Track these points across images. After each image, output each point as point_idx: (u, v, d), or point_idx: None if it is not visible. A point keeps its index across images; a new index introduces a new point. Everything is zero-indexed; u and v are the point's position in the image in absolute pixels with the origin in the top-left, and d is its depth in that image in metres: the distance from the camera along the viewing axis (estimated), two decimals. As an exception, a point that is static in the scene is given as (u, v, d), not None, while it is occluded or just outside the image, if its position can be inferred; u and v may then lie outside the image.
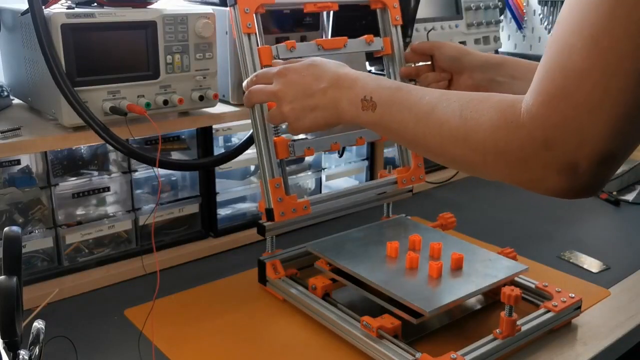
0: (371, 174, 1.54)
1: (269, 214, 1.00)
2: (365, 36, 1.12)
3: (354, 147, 1.54)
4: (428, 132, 0.71)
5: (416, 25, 1.49)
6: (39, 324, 0.63)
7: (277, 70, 0.90)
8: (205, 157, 1.20)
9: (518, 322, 0.89)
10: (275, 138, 1.00)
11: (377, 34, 1.15)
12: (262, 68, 0.99)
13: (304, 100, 0.86)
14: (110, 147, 1.14)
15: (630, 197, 1.51)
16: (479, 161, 0.64)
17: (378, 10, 1.17)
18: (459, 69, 1.07)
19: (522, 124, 0.58)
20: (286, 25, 1.23)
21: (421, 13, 1.50)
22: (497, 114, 0.61)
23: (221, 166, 1.25)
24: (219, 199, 1.26)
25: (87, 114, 0.95)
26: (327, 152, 1.45)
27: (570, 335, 0.95)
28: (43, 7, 0.94)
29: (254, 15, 1.00)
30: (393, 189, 1.19)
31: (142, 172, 1.16)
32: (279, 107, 0.89)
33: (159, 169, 1.05)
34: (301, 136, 1.07)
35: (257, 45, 1.00)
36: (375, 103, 0.78)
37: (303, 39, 1.25)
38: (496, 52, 1.81)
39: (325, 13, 1.29)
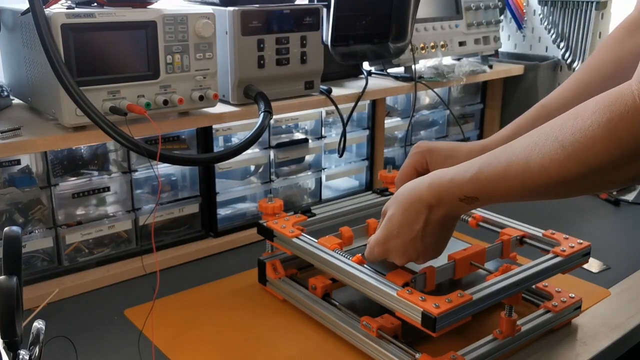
0: (371, 174, 1.54)
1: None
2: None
3: (354, 147, 1.54)
4: (537, 189, 0.66)
5: (416, 25, 1.49)
6: (39, 324, 0.63)
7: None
8: (206, 153, 1.20)
9: (518, 322, 0.89)
10: None
11: (376, 35, 1.15)
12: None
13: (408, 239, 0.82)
14: (110, 147, 1.14)
15: (630, 197, 1.51)
16: (608, 168, 0.60)
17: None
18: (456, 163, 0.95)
19: None
20: (286, 25, 1.23)
21: (421, 13, 1.50)
22: (605, 115, 0.58)
23: (221, 166, 1.25)
24: (219, 199, 1.26)
25: (87, 106, 0.94)
26: (327, 152, 1.45)
27: (570, 335, 0.95)
28: (43, 6, 0.94)
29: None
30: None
31: (142, 172, 1.16)
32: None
33: (159, 170, 1.04)
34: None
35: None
36: (475, 197, 0.74)
37: (303, 39, 1.25)
38: (496, 52, 1.81)
39: (325, 13, 1.30)
